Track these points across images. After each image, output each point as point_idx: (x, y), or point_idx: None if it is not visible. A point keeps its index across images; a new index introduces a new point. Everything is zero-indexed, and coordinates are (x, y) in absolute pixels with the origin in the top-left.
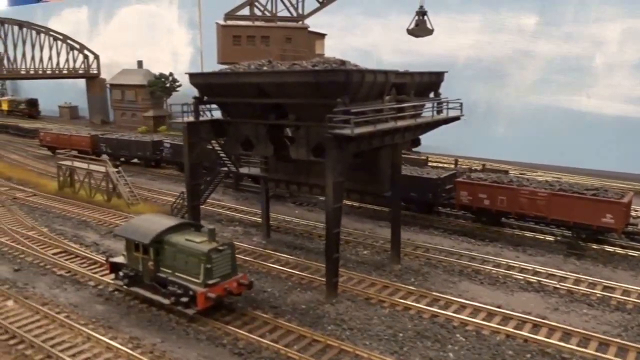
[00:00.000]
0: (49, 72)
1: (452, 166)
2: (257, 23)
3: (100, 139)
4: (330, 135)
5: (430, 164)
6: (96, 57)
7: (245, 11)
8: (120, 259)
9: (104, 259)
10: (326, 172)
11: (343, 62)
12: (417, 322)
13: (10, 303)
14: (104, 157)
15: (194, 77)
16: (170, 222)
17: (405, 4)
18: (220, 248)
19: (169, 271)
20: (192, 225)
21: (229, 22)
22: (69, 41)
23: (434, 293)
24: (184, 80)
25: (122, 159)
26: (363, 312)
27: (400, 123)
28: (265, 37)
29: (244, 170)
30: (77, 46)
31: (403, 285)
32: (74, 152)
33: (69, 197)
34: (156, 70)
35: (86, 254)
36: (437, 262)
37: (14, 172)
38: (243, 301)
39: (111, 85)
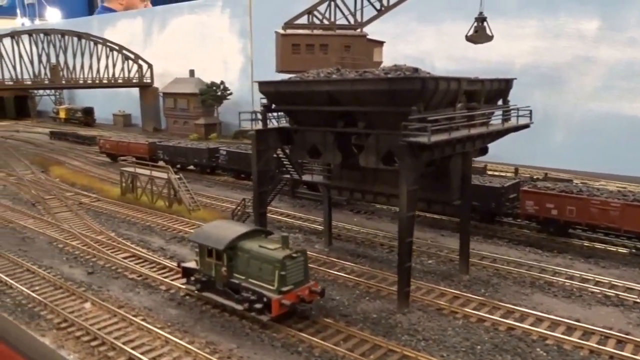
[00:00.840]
0: (105, 81)
1: (511, 174)
2: (316, 31)
3: (158, 146)
4: (405, 143)
5: (488, 172)
6: (150, 66)
7: (303, 20)
8: (192, 264)
9: (175, 264)
10: (400, 181)
11: (416, 70)
12: (493, 335)
13: (87, 305)
14: (161, 163)
15: (263, 85)
16: (242, 228)
17: (460, 11)
18: (294, 255)
19: (242, 277)
20: (263, 231)
21: (289, 31)
22: (124, 51)
23: (507, 305)
24: (234, 89)
25: (179, 166)
26: (436, 323)
27: (474, 131)
28: (324, 46)
29: (306, 177)
30: (132, 56)
31: (474, 296)
32: (133, 159)
33: (131, 202)
34: (207, 79)
35: (154, 259)
36: (507, 273)
37: (77, 178)
38: (313, 309)
39: (164, 93)
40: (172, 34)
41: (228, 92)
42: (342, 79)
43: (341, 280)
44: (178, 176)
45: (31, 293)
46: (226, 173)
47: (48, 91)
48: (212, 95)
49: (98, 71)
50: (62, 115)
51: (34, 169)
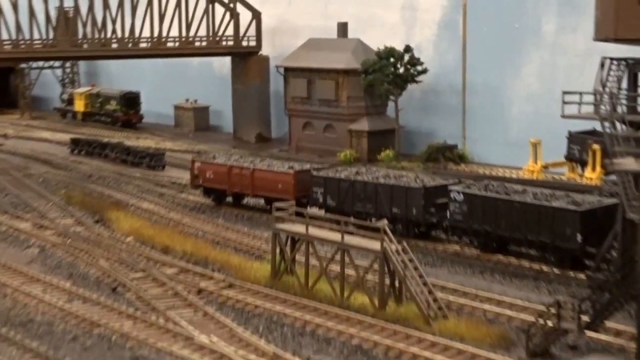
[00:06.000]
0: (171, 44)
1: None
2: None
3: (315, 178)
4: None
5: None
6: (255, 16)
7: None
8: None
9: None
10: None
11: None
12: None
13: None
14: (315, 211)
15: None
16: None
17: None
18: None
19: None
20: None
21: None
22: None
23: None
24: (427, 60)
25: (352, 218)
26: None
27: None
28: None
29: None
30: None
31: None
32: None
33: (296, 292)
34: (371, 41)
35: None
36: None
37: (168, 239)
38: None
39: (285, 69)
40: None
41: (420, 67)
42: None
43: None
44: (401, 247)
45: None
46: (460, 238)
47: (47, 63)
48: (388, 74)
49: (158, 28)
50: (80, 105)
51: (77, 213)
